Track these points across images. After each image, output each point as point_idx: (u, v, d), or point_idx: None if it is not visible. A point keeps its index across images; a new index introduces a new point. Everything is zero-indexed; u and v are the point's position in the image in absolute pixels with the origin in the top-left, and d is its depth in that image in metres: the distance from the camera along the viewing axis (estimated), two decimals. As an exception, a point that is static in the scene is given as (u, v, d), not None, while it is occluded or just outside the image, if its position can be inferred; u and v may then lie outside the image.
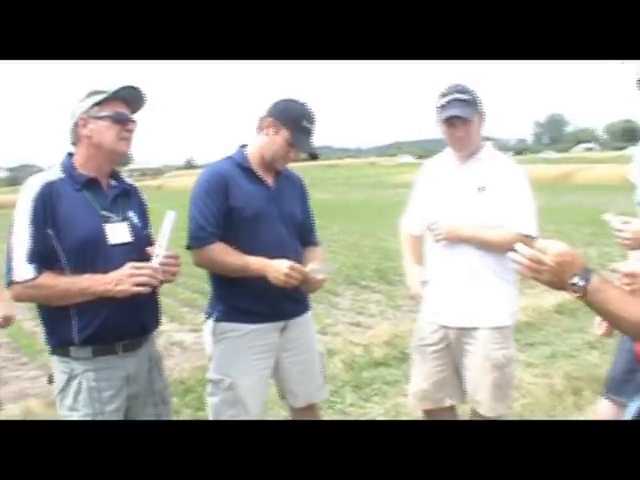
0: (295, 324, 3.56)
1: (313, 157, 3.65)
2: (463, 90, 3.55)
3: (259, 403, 3.47)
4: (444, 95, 3.57)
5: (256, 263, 3.31)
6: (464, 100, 3.52)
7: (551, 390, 5.49)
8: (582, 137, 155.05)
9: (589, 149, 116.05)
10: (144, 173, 77.81)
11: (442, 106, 3.56)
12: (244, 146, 3.56)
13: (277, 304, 3.44)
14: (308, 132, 3.44)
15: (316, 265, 3.40)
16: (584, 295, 1.92)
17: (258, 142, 3.49)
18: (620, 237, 3.01)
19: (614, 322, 2.00)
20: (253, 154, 3.50)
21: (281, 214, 3.47)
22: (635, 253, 3.14)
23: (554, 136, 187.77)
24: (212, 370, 3.51)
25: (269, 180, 3.51)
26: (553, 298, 8.30)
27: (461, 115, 3.51)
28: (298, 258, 3.42)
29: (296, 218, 3.59)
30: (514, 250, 1.98)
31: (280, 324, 3.49)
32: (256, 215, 3.39)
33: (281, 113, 3.43)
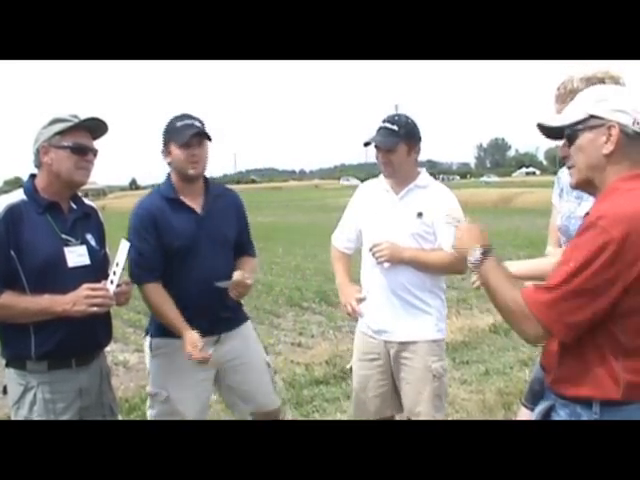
0: (229, 337, 3.68)
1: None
2: (393, 121, 3.74)
3: (196, 415, 3.58)
4: (382, 122, 3.77)
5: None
6: (391, 130, 3.71)
7: (484, 405, 5.71)
8: (523, 161, 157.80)
9: (530, 173, 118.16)
10: (87, 193, 76.42)
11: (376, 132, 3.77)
12: (169, 176, 3.67)
13: (209, 318, 3.54)
14: (186, 127, 3.52)
15: (240, 274, 3.52)
16: (480, 264, 2.31)
17: (169, 169, 3.65)
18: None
19: (491, 296, 2.33)
20: (175, 181, 3.62)
21: (211, 237, 3.58)
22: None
23: (496, 160, 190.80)
24: (150, 384, 3.66)
25: (196, 206, 3.61)
26: (488, 318, 8.60)
27: (378, 144, 3.73)
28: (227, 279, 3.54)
29: (228, 236, 3.70)
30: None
31: (213, 338, 3.59)
32: (183, 247, 3.51)
33: (164, 137, 3.59)
